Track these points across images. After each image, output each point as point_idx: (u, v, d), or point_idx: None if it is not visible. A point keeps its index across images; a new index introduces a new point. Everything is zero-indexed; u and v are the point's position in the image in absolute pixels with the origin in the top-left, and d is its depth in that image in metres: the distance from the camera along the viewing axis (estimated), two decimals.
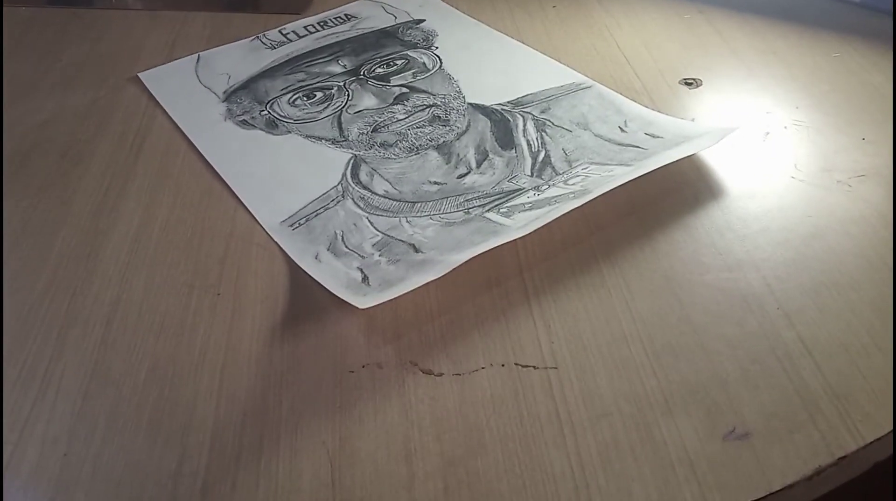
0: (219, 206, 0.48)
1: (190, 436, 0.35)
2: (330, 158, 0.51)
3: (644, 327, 0.39)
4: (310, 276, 0.42)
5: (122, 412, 0.36)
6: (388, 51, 0.61)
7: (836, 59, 0.58)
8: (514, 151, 0.50)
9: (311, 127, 0.54)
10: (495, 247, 0.41)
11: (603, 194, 0.44)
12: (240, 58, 0.62)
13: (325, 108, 0.55)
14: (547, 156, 0.49)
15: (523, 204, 0.45)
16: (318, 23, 0.66)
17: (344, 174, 0.49)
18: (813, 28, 0.62)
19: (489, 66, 0.59)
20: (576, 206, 0.43)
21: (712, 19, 0.64)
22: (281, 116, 0.55)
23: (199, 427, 0.35)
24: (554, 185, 0.46)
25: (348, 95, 0.56)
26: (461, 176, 0.48)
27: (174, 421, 0.36)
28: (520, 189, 0.46)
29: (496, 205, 0.45)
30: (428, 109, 0.54)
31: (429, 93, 0.56)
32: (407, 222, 0.45)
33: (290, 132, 0.53)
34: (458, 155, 0.50)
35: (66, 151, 0.53)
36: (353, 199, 0.47)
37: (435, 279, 0.39)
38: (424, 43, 0.63)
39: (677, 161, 0.46)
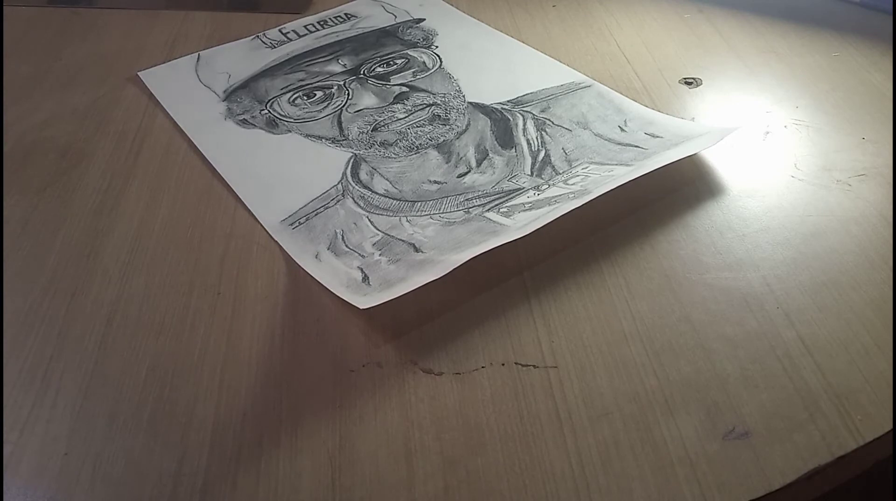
0: (219, 205, 0.48)
1: (190, 436, 0.35)
2: (330, 157, 0.51)
3: (644, 326, 0.39)
4: (310, 275, 0.42)
5: (122, 412, 0.36)
6: (387, 50, 0.61)
7: (836, 58, 0.58)
8: (514, 150, 0.50)
9: (311, 126, 0.54)
10: (495, 247, 0.41)
11: (603, 194, 0.44)
12: (240, 57, 0.62)
13: (325, 107, 0.55)
14: (547, 155, 0.49)
15: (523, 204, 0.45)
16: (318, 22, 0.66)
17: (344, 173, 0.49)
18: (813, 27, 0.62)
19: (489, 65, 0.59)
20: (576, 206, 0.43)
21: (712, 19, 0.64)
22: (281, 115, 0.55)
23: (199, 427, 0.35)
24: (554, 184, 0.46)
25: (348, 94, 0.56)
26: (461, 175, 0.48)
27: (174, 421, 0.36)
28: (520, 189, 0.46)
29: (496, 205, 0.45)
30: (428, 108, 0.54)
31: (429, 92, 0.56)
32: (407, 221, 0.45)
33: (290, 131, 0.53)
34: (458, 154, 0.50)
35: (66, 151, 0.53)
36: (353, 198, 0.47)
37: (435, 279, 0.39)
38: (424, 42, 0.63)
39: (677, 161, 0.46)
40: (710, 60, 0.59)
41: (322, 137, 0.53)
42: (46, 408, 0.36)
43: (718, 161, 0.49)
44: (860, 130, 0.51)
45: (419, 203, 0.46)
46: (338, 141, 0.52)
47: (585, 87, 0.56)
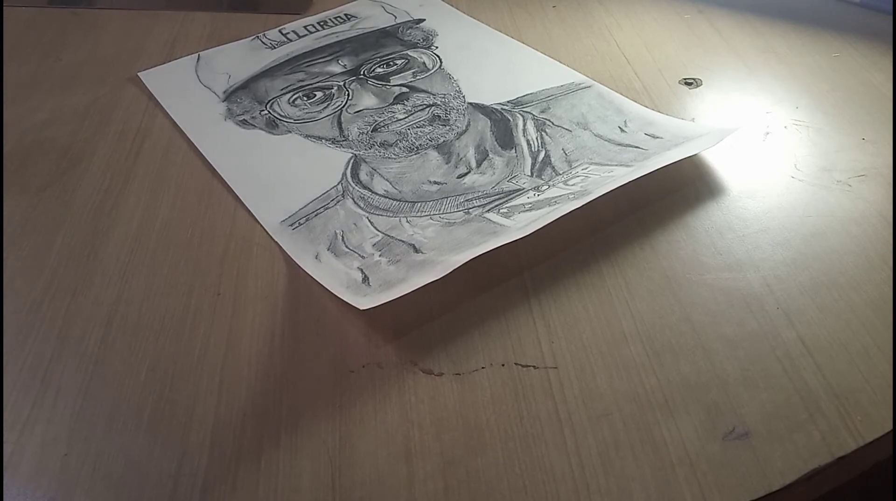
0: (219, 205, 0.48)
1: (190, 436, 0.35)
2: (330, 157, 0.51)
3: (644, 327, 0.39)
4: (310, 276, 0.42)
5: (122, 412, 0.36)
6: (387, 50, 0.61)
7: (836, 58, 0.58)
8: (514, 150, 0.50)
9: (311, 127, 0.54)
10: (495, 247, 0.41)
11: (603, 195, 0.44)
12: (240, 57, 0.62)
13: (325, 107, 0.55)
14: (547, 156, 0.49)
15: (523, 204, 0.45)
16: (318, 22, 0.66)
17: (344, 174, 0.49)
18: (813, 28, 0.62)
19: (489, 65, 0.59)
20: (576, 207, 0.43)
21: (712, 19, 0.64)
22: (281, 115, 0.55)
23: (199, 427, 0.35)
24: (554, 185, 0.46)
25: (348, 94, 0.56)
26: (461, 176, 0.48)
27: (174, 421, 0.36)
28: (520, 189, 0.46)
29: (496, 205, 0.45)
30: (428, 109, 0.54)
31: (429, 92, 0.56)
32: (407, 221, 0.45)
33: (290, 132, 0.53)
34: (458, 155, 0.50)
35: (66, 150, 0.53)
36: (353, 198, 0.47)
37: (435, 280, 0.39)
38: (424, 42, 0.63)
39: (677, 162, 0.46)
40: (710, 61, 0.59)
41: (322, 138, 0.53)
42: (46, 408, 0.36)
43: (718, 161, 0.49)
44: (860, 131, 0.51)
45: (419, 204, 0.46)
46: (338, 142, 0.52)
47: (585, 87, 0.56)
